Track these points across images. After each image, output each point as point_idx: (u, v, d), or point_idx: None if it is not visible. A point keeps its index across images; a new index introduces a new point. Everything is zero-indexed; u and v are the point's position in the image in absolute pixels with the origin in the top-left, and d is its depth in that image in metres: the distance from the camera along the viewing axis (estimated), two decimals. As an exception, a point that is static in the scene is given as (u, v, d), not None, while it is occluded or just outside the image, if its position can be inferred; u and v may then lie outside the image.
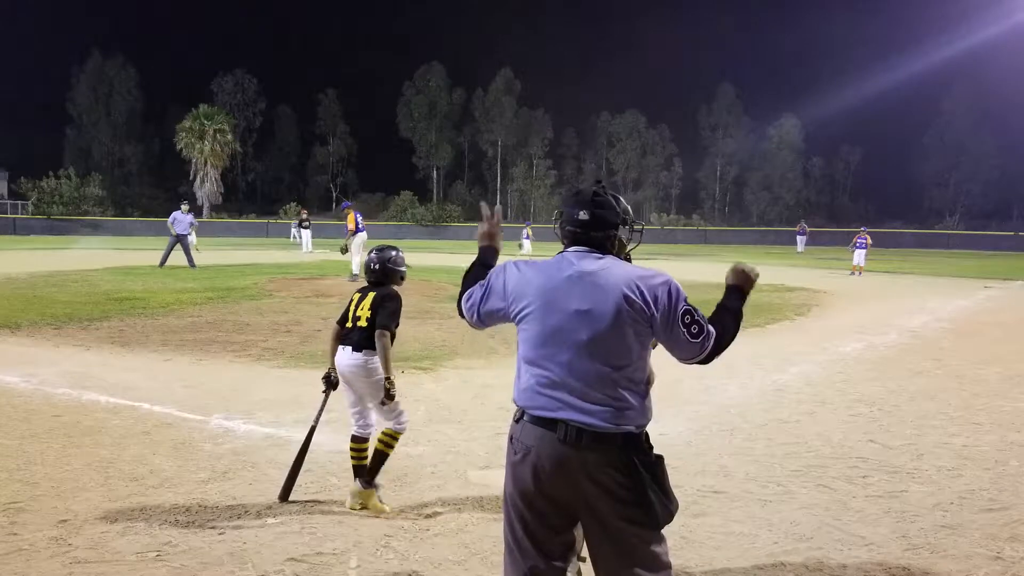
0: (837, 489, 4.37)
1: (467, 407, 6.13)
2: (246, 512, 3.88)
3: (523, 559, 2.26)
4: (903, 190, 68.38)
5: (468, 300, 2.47)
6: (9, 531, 3.58)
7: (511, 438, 2.29)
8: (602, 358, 2.17)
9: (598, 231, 2.29)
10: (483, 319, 2.45)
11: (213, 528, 3.68)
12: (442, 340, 9.22)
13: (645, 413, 2.23)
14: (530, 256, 28.19)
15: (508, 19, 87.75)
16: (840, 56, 72.21)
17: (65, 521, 3.70)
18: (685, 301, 2.21)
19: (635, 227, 2.43)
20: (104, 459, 4.63)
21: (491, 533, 3.66)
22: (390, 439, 4.01)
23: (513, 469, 2.26)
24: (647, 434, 2.23)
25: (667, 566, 2.20)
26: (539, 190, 73.43)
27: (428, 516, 3.90)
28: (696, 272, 17.48)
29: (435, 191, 73.35)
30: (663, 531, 2.20)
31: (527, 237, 33.06)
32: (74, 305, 11.40)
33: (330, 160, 77.12)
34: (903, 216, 64.19)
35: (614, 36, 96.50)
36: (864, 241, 22.32)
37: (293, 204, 57.38)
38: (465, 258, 25.83)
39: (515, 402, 2.31)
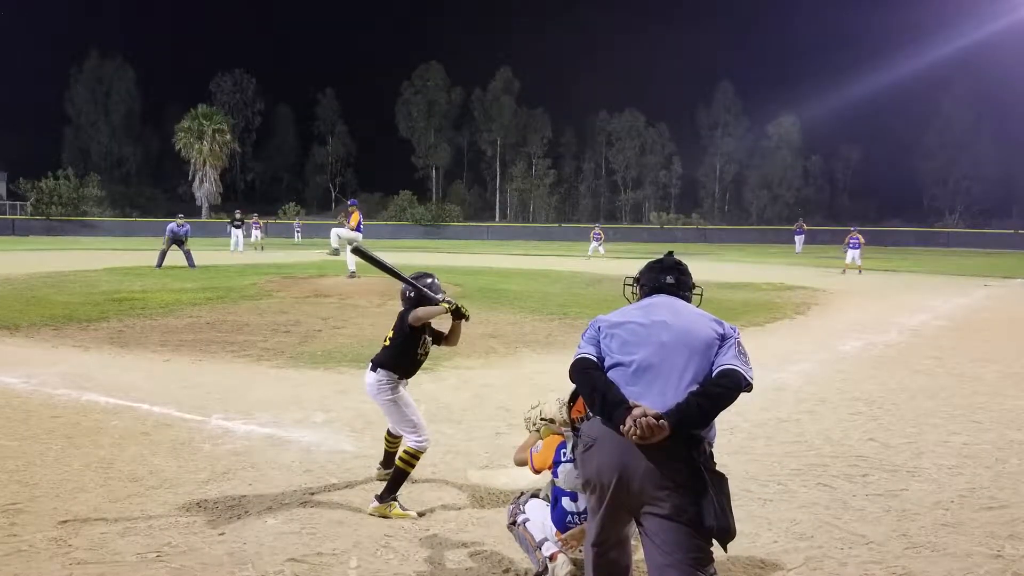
0: (837, 488, 4.37)
1: (467, 407, 6.13)
2: (246, 512, 3.88)
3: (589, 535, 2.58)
4: (903, 188, 68.44)
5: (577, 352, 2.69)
6: (9, 532, 3.57)
7: (578, 432, 2.64)
8: (668, 366, 2.47)
9: (680, 292, 2.81)
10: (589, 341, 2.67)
11: (213, 528, 3.67)
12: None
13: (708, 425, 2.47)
14: (602, 258, 27.64)
15: (508, 19, 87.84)
16: (839, 54, 72.31)
17: (65, 522, 3.70)
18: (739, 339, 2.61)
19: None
20: (104, 460, 4.63)
21: (491, 533, 3.66)
22: (410, 458, 3.98)
23: (580, 460, 2.58)
24: (711, 452, 2.47)
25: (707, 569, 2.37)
26: (538, 189, 73.45)
27: (428, 516, 3.90)
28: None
29: (434, 191, 73.39)
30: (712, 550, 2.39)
31: (597, 239, 31.05)
32: (73, 306, 11.39)
33: (329, 160, 77.14)
34: (903, 214, 64.21)
35: (613, 35, 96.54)
36: (857, 240, 22.53)
37: (292, 204, 57.43)
38: (463, 258, 25.85)
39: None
